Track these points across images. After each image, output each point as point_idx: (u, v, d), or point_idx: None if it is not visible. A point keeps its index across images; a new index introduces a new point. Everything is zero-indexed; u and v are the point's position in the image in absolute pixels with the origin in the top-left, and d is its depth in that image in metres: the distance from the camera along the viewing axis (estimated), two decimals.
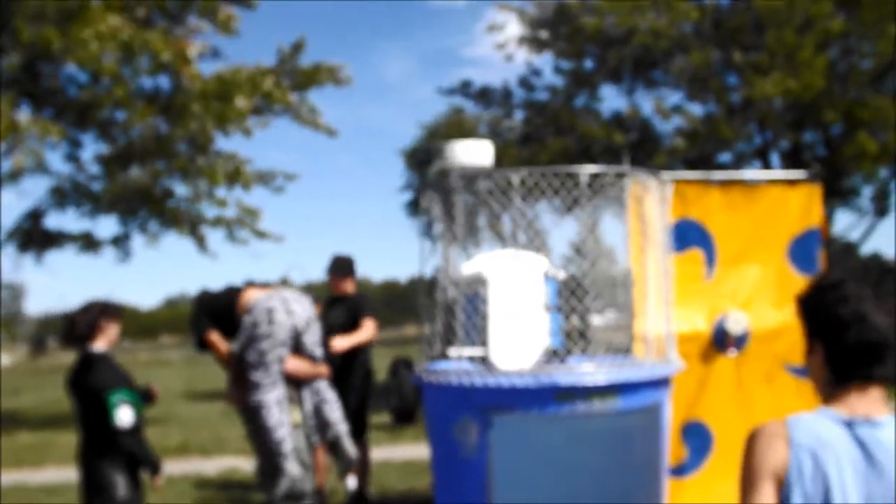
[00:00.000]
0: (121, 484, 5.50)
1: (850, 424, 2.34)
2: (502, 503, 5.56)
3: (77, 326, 5.70)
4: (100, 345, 5.66)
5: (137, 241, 27.96)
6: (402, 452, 11.93)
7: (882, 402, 2.39)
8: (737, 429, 7.09)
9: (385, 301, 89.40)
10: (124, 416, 5.44)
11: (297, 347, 6.24)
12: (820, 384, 2.49)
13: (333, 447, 6.46)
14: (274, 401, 5.99)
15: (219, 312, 6.33)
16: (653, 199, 6.38)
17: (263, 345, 6.02)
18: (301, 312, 6.25)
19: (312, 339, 6.30)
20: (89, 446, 5.60)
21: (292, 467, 5.98)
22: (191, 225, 19.83)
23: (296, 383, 6.25)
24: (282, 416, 6.01)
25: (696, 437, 7.32)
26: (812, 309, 2.51)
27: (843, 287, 2.42)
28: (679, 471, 7.22)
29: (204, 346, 6.37)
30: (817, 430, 2.36)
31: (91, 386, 5.56)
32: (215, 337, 6.27)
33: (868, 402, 2.38)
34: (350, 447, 6.41)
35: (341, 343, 7.67)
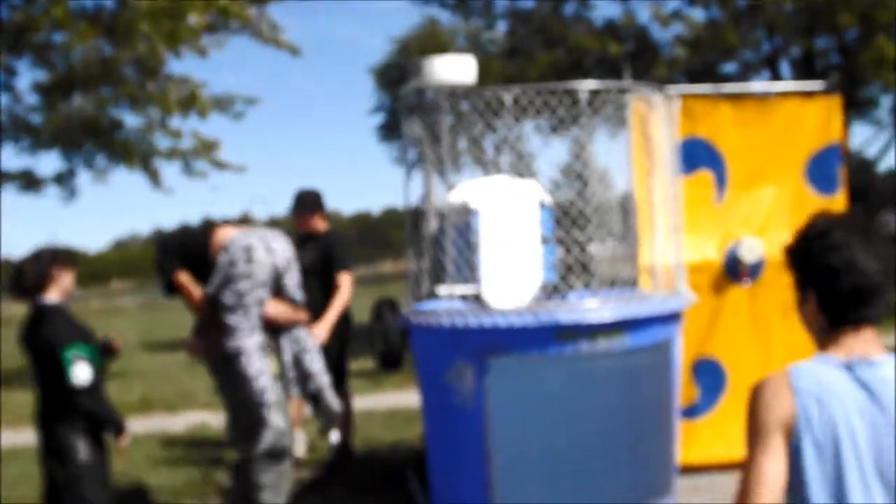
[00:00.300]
0: (81, 447, 5.50)
1: (849, 367, 2.59)
2: (502, 452, 5.64)
3: (26, 276, 5.66)
4: (52, 296, 5.62)
5: (83, 178, 27.74)
6: (386, 401, 12.01)
7: (876, 342, 2.65)
8: (752, 366, 7.19)
9: (357, 235, 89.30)
10: (81, 373, 5.41)
11: (277, 290, 6.23)
12: (815, 331, 2.73)
13: (315, 400, 6.48)
14: (254, 347, 5.98)
15: (189, 252, 6.27)
16: (658, 117, 6.38)
17: (242, 285, 5.99)
18: (281, 251, 6.22)
19: (293, 280, 6.28)
20: (46, 407, 5.58)
21: (276, 419, 6.00)
22: (142, 158, 19.65)
23: (273, 330, 6.25)
24: (263, 364, 6.02)
25: (709, 376, 7.41)
26: (802, 259, 2.71)
27: (831, 235, 2.63)
28: (690, 412, 7.31)
29: (172, 289, 6.33)
30: (820, 377, 2.58)
31: (44, 341, 5.53)
32: (185, 278, 6.22)
33: (863, 343, 2.63)
34: (333, 400, 6.43)
35: (322, 330, 7.65)
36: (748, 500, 2.50)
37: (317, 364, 6.40)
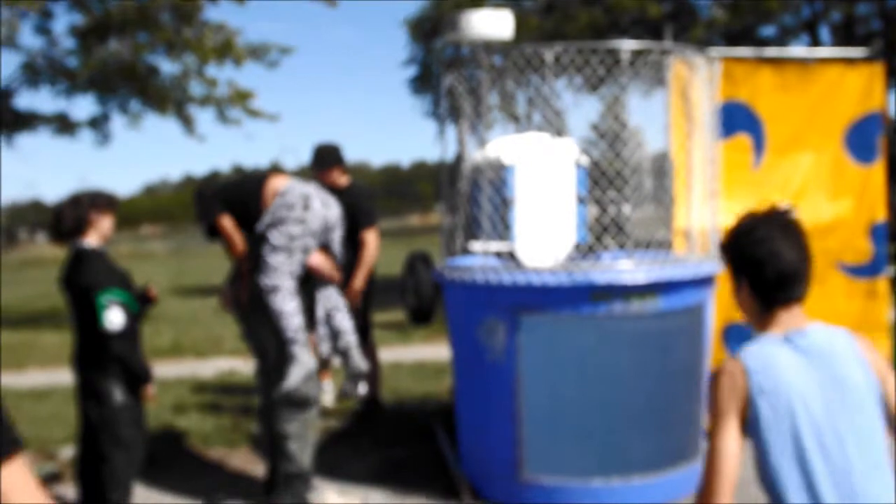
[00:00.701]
0: (116, 389, 5.56)
1: (787, 339, 3.01)
2: (531, 409, 5.67)
3: (65, 220, 5.70)
4: (91, 239, 5.67)
5: (117, 123, 27.81)
6: (415, 353, 12.08)
7: (803, 316, 3.09)
8: None
9: (385, 187, 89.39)
10: (114, 317, 5.44)
11: (323, 245, 6.27)
12: (751, 314, 3.16)
13: (344, 357, 6.53)
14: (291, 287, 6.01)
15: (238, 196, 6.27)
16: (699, 79, 6.34)
17: (293, 229, 6.00)
18: (335, 207, 6.25)
19: (338, 238, 6.32)
20: (82, 349, 5.64)
21: (306, 357, 6.04)
22: (177, 104, 19.72)
23: (308, 284, 6.28)
24: (298, 305, 6.05)
25: (739, 341, 7.40)
26: (733, 252, 3.16)
27: (755, 231, 3.10)
28: None
29: (214, 233, 6.35)
30: (765, 353, 2.99)
31: (81, 284, 5.57)
32: (228, 222, 6.23)
33: (793, 318, 3.07)
34: (360, 360, 6.47)
35: (357, 288, 7.67)
36: (711, 478, 2.91)
37: (346, 322, 6.44)
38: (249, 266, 6.21)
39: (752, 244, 3.10)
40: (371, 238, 7.90)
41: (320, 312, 6.39)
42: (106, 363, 5.54)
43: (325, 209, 6.18)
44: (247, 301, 6.32)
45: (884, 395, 3.03)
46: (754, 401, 2.95)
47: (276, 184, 6.23)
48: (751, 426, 2.95)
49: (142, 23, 18.28)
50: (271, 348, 6.22)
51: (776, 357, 2.99)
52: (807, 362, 2.99)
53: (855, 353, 3.05)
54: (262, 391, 6.47)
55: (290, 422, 6.15)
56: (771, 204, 3.21)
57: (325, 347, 6.45)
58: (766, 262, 3.05)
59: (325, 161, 8.02)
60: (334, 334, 6.44)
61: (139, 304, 5.81)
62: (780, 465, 2.93)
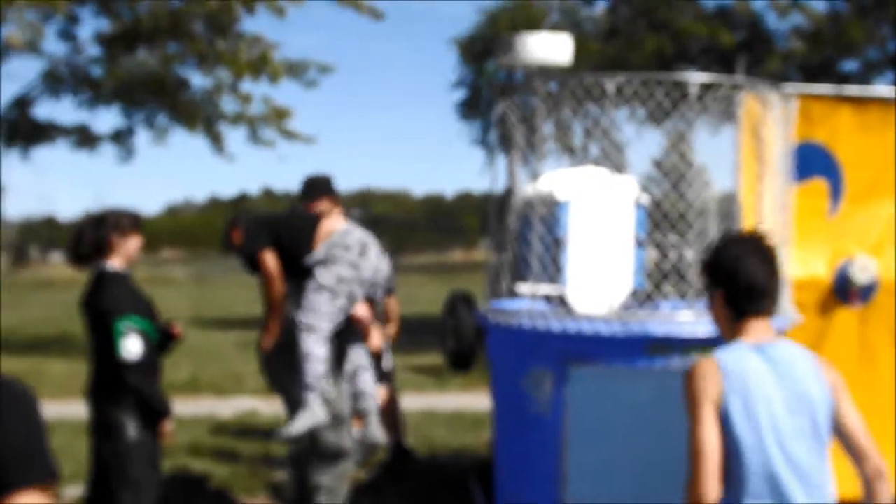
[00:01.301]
0: (131, 424, 5.59)
1: (758, 348, 3.76)
2: (578, 470, 5.66)
3: (84, 242, 5.76)
4: (114, 262, 5.73)
5: (141, 138, 28.08)
6: (451, 402, 12.08)
7: (770, 329, 3.88)
8: (856, 396, 7.07)
9: (429, 219, 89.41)
10: (132, 346, 5.47)
11: (370, 298, 6.37)
12: (724, 323, 3.95)
13: (361, 419, 6.60)
14: (326, 333, 6.05)
15: (287, 232, 6.31)
16: (773, 117, 6.34)
17: (345, 272, 6.04)
18: (386, 262, 6.35)
19: (380, 295, 6.42)
20: (98, 379, 5.69)
21: (318, 409, 6.07)
22: (206, 121, 19.89)
23: (342, 337, 6.35)
24: (327, 354, 6.09)
25: None
26: (711, 266, 3.91)
27: (730, 248, 3.87)
28: None
29: (255, 265, 6.39)
30: (738, 358, 3.72)
31: (99, 308, 5.63)
32: (272, 259, 6.27)
33: (762, 330, 3.84)
34: (377, 430, 6.54)
35: (377, 341, 7.77)
36: (698, 464, 3.53)
37: (369, 385, 6.51)
38: (282, 308, 6.27)
39: (727, 259, 3.85)
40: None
41: (348, 367, 6.45)
42: (121, 395, 5.58)
43: (380, 262, 6.25)
44: (271, 346, 6.39)
45: (835, 411, 3.80)
46: (726, 401, 3.61)
47: (334, 224, 6.29)
48: (722, 421, 3.61)
49: (173, 32, 18.47)
50: (296, 394, 6.26)
51: (747, 361, 3.70)
52: (773, 371, 3.70)
53: (815, 371, 3.81)
54: (293, 438, 6.51)
55: (325, 473, 6.20)
56: (752, 230, 4.15)
57: (346, 406, 6.49)
58: (738, 275, 3.79)
59: (314, 192, 8.01)
60: (356, 395, 6.51)
61: (161, 337, 5.85)
62: (748, 459, 3.60)
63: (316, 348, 6.01)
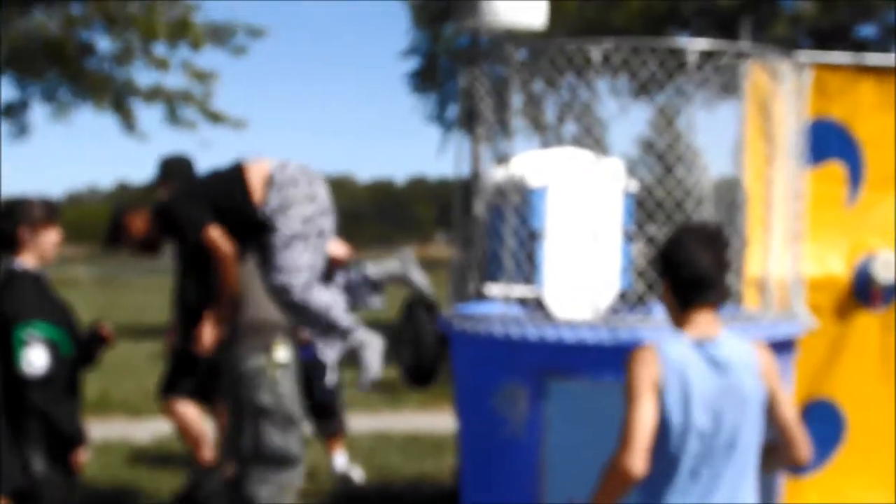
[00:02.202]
0: (37, 458, 5.50)
1: (699, 345, 4.34)
2: (559, 499, 5.67)
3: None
4: (27, 259, 5.65)
5: (38, 113, 27.80)
6: (406, 422, 12.07)
7: (715, 321, 4.45)
8: (877, 412, 7.18)
9: (377, 209, 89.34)
10: (35, 359, 5.41)
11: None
12: (671, 310, 4.54)
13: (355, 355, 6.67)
14: (316, 279, 6.14)
15: (220, 197, 6.27)
16: (784, 91, 6.38)
17: (305, 209, 6.08)
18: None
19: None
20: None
21: (375, 338, 6.22)
22: (116, 95, 19.76)
23: None
24: (333, 296, 6.20)
25: (823, 422, 7.39)
26: (661, 256, 4.53)
27: (680, 239, 4.47)
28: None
29: (199, 249, 6.36)
30: (679, 351, 4.32)
31: (1, 313, 5.54)
32: (217, 233, 6.21)
33: (706, 323, 4.42)
34: (373, 365, 6.62)
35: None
36: (630, 437, 4.18)
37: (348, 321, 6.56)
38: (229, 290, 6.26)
39: (674, 249, 4.44)
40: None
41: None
42: (23, 420, 5.48)
43: (324, 189, 6.27)
44: (218, 339, 6.38)
45: (769, 401, 4.40)
46: (663, 390, 4.23)
47: (263, 167, 6.23)
48: (659, 407, 4.24)
49: None
50: (229, 401, 6.27)
51: (687, 359, 4.30)
52: (710, 370, 4.30)
53: (751, 363, 4.39)
54: (231, 456, 6.50)
55: (265, 483, 6.18)
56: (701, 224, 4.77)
57: (297, 406, 6.51)
58: (683, 266, 4.38)
59: (172, 174, 7.95)
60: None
61: (84, 346, 5.78)
62: (675, 449, 4.25)
63: (322, 296, 6.03)
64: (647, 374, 4.26)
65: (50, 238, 5.72)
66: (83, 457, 5.64)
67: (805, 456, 4.62)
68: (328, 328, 6.13)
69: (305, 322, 6.19)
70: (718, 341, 4.35)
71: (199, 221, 6.21)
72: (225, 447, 6.59)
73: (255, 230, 6.17)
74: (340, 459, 9.08)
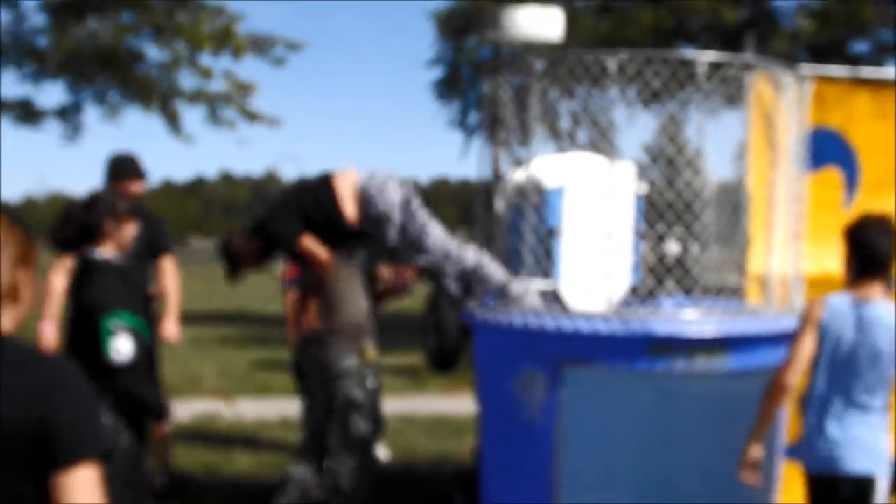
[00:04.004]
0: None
1: (855, 304, 5.25)
2: (572, 480, 5.66)
3: (65, 229, 5.69)
4: (108, 250, 5.66)
5: (91, 115, 27.71)
6: (429, 405, 12.06)
7: (881, 291, 5.29)
8: None
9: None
10: (122, 347, 5.38)
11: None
12: (847, 279, 5.42)
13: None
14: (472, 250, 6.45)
15: (312, 210, 6.44)
16: (787, 101, 6.35)
17: (415, 200, 6.39)
18: None
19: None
20: None
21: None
22: (162, 98, 19.75)
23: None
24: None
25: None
26: (853, 236, 5.41)
27: (866, 223, 5.41)
28: (795, 452, 7.27)
29: (296, 256, 6.52)
30: (837, 304, 5.27)
31: (84, 302, 5.56)
32: (311, 241, 6.37)
33: (870, 290, 5.27)
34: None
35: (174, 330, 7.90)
36: (789, 362, 5.24)
37: None
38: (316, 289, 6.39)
39: (862, 234, 5.40)
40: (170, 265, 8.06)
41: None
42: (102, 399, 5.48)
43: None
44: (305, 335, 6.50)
45: None
46: (823, 329, 5.31)
47: (350, 178, 6.41)
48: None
49: (127, 1, 18.34)
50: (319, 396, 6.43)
51: (842, 311, 5.28)
52: (856, 324, 5.26)
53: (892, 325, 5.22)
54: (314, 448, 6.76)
55: (351, 468, 6.44)
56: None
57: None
58: (864, 246, 5.39)
59: (124, 172, 7.90)
60: None
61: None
62: (819, 374, 5.35)
63: (483, 258, 6.34)
64: (814, 316, 5.24)
65: (130, 231, 5.74)
66: (167, 428, 5.71)
67: None
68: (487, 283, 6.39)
69: (481, 284, 6.43)
70: (874, 303, 5.22)
71: (293, 235, 6.36)
72: (310, 439, 6.70)
73: (346, 238, 6.34)
74: (382, 451, 9.15)
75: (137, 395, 5.50)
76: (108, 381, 5.37)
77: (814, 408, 5.34)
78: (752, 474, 5.31)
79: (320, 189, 6.45)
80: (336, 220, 6.37)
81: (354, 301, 6.63)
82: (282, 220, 6.44)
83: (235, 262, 6.73)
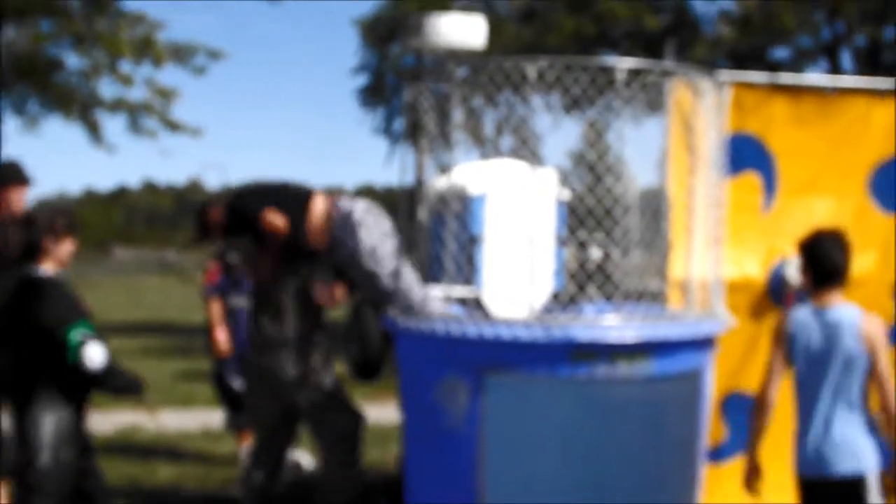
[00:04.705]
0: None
1: (816, 312, 5.80)
2: (495, 487, 5.64)
3: (10, 245, 5.84)
4: (48, 267, 5.77)
5: (9, 126, 27.44)
6: None
7: (838, 296, 5.83)
8: (791, 403, 7.20)
9: None
10: (95, 355, 5.70)
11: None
12: (807, 289, 5.97)
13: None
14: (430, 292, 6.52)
15: (278, 202, 6.51)
16: (706, 106, 6.39)
17: (388, 245, 6.49)
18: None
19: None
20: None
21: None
22: (82, 107, 19.58)
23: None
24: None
25: (740, 413, 7.39)
26: (808, 251, 5.96)
27: (819, 238, 5.97)
28: (717, 454, 7.33)
29: (257, 234, 6.57)
30: (801, 316, 5.83)
31: (41, 320, 5.73)
32: (274, 214, 6.43)
33: (830, 298, 5.81)
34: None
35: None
36: (768, 379, 5.89)
37: None
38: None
39: (821, 248, 5.97)
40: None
41: None
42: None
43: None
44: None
45: (870, 355, 5.72)
46: (791, 341, 5.89)
47: (327, 205, 6.45)
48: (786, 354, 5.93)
49: (46, 8, 18.15)
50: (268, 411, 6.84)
51: (807, 320, 5.85)
52: (822, 329, 5.81)
53: (855, 326, 5.75)
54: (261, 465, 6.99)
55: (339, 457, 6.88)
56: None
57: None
58: (819, 260, 5.96)
59: (6, 179, 7.79)
60: None
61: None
62: (799, 378, 5.97)
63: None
64: (780, 332, 5.85)
65: (67, 247, 5.97)
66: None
67: (887, 402, 5.70)
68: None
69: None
70: (834, 308, 5.75)
71: (258, 208, 6.54)
72: (260, 447, 7.09)
73: (299, 254, 6.57)
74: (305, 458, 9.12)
75: (120, 389, 6.03)
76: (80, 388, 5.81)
77: (799, 414, 5.87)
78: (754, 483, 6.03)
79: (298, 195, 6.55)
80: (297, 230, 6.45)
81: (299, 314, 6.86)
82: (250, 197, 6.61)
83: (205, 230, 6.81)
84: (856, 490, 5.62)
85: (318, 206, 6.49)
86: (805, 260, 5.95)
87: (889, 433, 5.70)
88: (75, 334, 5.60)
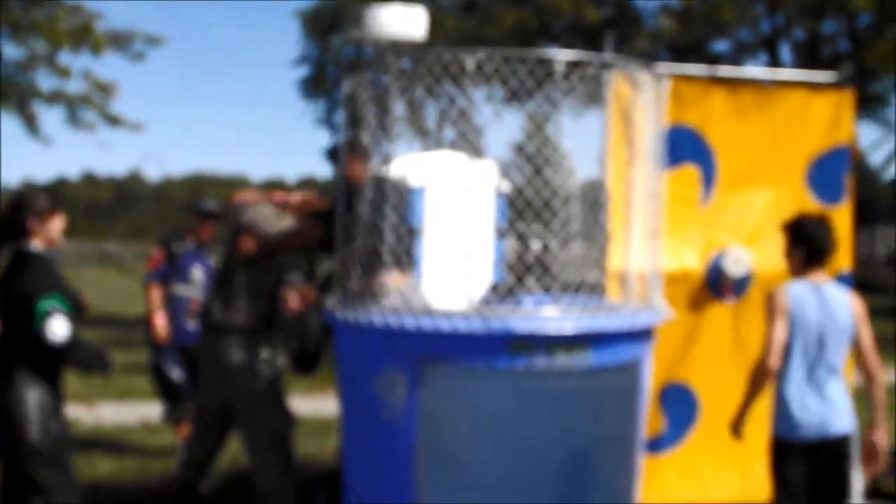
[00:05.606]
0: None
1: (813, 287, 6.08)
2: (434, 479, 5.64)
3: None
4: (37, 244, 5.98)
5: None
6: (291, 406, 11.92)
7: (825, 275, 6.20)
8: (728, 395, 7.25)
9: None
10: (59, 329, 5.73)
11: None
12: (794, 269, 6.21)
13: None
14: None
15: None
16: (644, 99, 6.40)
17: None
18: None
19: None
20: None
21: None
22: (19, 98, 19.39)
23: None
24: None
25: (678, 404, 7.47)
26: (798, 231, 6.20)
27: (807, 220, 6.24)
28: (655, 445, 7.37)
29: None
30: (798, 290, 6.08)
31: (19, 290, 5.86)
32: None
33: (819, 276, 6.14)
34: None
35: None
36: (769, 347, 5.97)
37: None
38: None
39: (809, 228, 6.21)
40: None
41: None
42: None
43: None
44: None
45: (856, 328, 6.14)
46: (791, 315, 6.07)
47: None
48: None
49: None
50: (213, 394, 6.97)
51: (805, 295, 6.08)
52: (818, 302, 6.08)
53: (846, 302, 6.14)
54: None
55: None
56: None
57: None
58: (814, 240, 6.22)
59: None
60: None
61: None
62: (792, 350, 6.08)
63: None
64: (781, 302, 6.02)
65: (56, 225, 6.08)
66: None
67: (872, 368, 6.15)
68: None
69: None
70: (827, 286, 6.14)
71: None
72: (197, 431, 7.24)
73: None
74: None
75: (84, 367, 6.11)
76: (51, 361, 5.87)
77: (793, 382, 6.05)
78: (738, 434, 6.25)
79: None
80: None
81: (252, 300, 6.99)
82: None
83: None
84: (846, 447, 6.05)
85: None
86: (793, 240, 6.21)
87: (874, 395, 6.12)
88: (44, 304, 5.69)
